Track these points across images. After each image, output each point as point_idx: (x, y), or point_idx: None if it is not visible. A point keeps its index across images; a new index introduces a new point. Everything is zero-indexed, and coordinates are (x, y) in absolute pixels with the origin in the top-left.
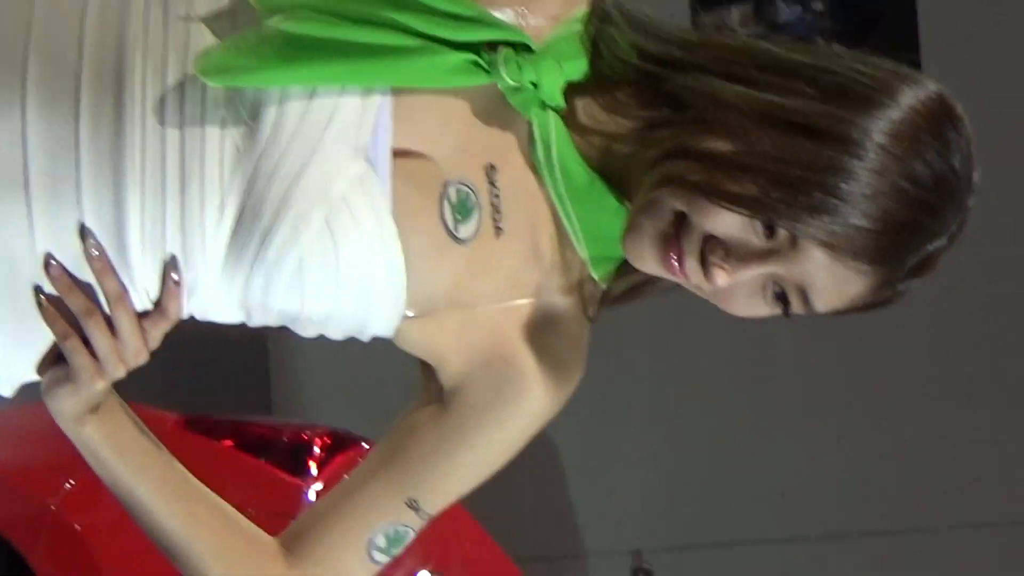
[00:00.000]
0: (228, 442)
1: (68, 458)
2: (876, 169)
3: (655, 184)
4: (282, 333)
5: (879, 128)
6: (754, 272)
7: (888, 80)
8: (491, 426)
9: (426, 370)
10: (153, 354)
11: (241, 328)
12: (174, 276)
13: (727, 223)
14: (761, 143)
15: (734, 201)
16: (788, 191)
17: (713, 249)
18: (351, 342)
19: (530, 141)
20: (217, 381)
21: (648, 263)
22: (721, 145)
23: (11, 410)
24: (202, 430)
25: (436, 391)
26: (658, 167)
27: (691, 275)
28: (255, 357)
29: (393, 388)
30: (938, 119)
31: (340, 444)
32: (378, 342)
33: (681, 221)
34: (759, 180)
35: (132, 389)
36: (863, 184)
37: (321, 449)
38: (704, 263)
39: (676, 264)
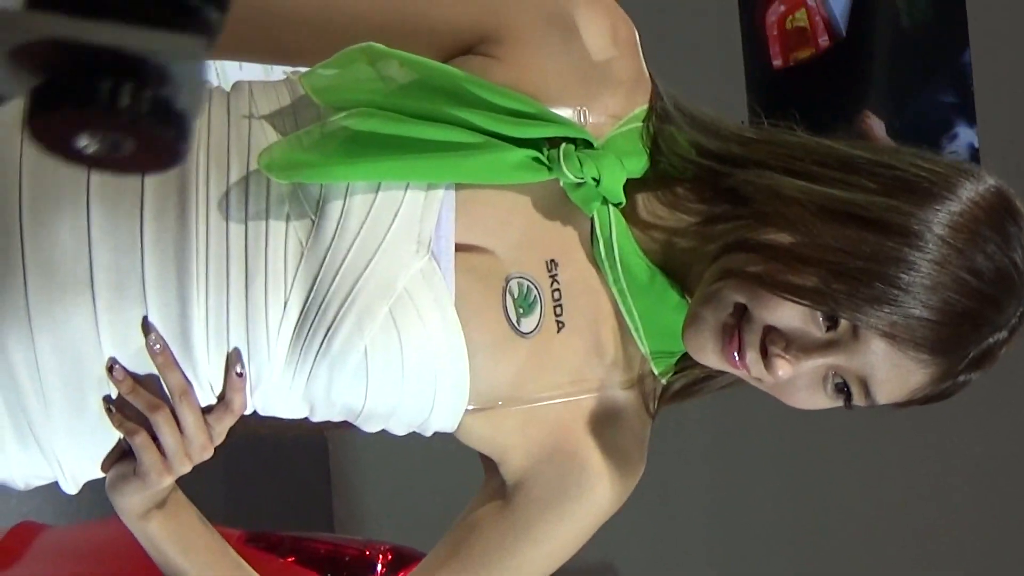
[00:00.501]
0: (291, 559)
1: None
2: (937, 260)
3: (716, 277)
4: (344, 448)
5: (939, 220)
6: (816, 363)
7: (948, 174)
8: (555, 520)
9: (488, 465)
10: (216, 451)
11: (303, 441)
12: (237, 369)
13: (788, 315)
14: (822, 235)
15: (796, 292)
16: (850, 282)
17: (774, 340)
18: (413, 455)
19: (591, 237)
20: (279, 497)
21: (708, 356)
22: (782, 237)
23: (62, 530)
24: (265, 547)
25: (498, 486)
26: (719, 260)
27: (752, 367)
28: (317, 473)
29: (455, 503)
30: (998, 213)
31: (403, 561)
32: (440, 454)
33: (742, 314)
34: (820, 272)
35: (197, 506)
36: (924, 275)
37: (383, 566)
38: (765, 355)
39: (736, 357)
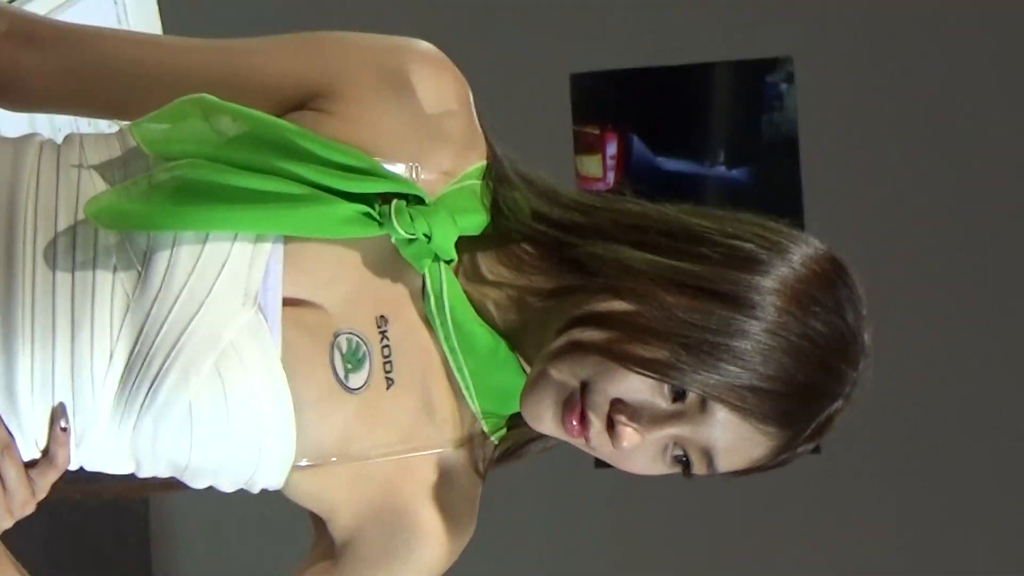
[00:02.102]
0: None
1: None
2: (772, 329)
3: (561, 349)
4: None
5: (771, 287)
6: (662, 434)
7: (780, 241)
8: None
9: (318, 525)
10: (39, 506)
11: (123, 497)
12: (62, 423)
13: (635, 387)
14: (670, 308)
15: (645, 365)
16: (698, 355)
17: (620, 411)
18: (236, 510)
19: (423, 294)
20: (99, 554)
21: (547, 425)
22: (630, 310)
23: None
24: None
25: (327, 547)
26: (565, 332)
27: (594, 438)
28: (137, 532)
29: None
30: (828, 276)
31: None
32: (266, 516)
33: (585, 386)
34: (669, 344)
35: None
36: (763, 345)
37: None
38: (611, 426)
39: (577, 426)
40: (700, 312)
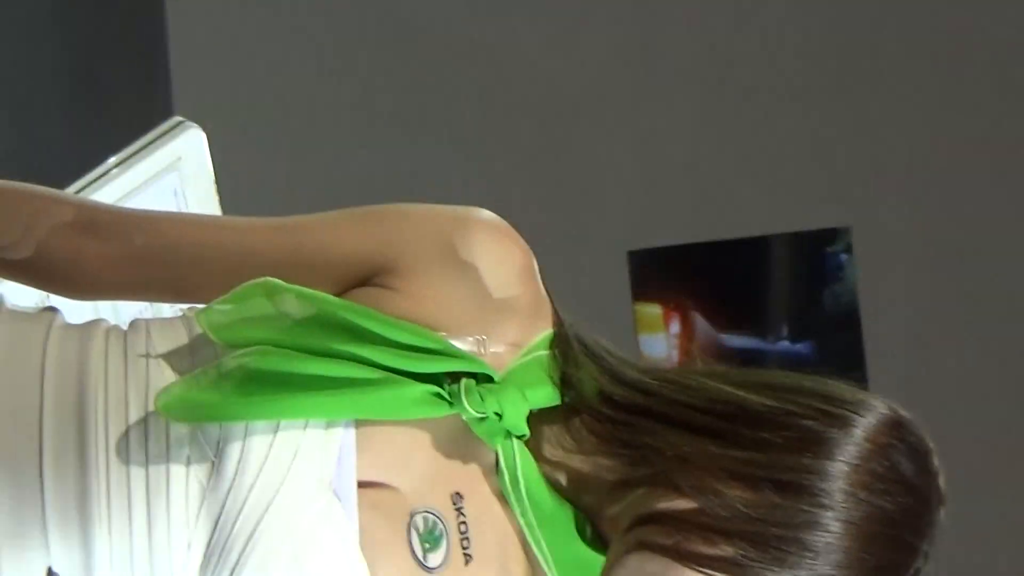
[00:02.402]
0: None
1: None
2: (841, 517)
3: (627, 549)
4: None
5: (837, 472)
6: None
7: (842, 415)
8: None
9: None
10: None
11: None
12: None
13: None
14: (733, 503)
15: (710, 565)
16: (764, 550)
17: None
18: None
19: (496, 469)
20: None
21: None
22: (691, 506)
23: None
24: None
25: None
26: (628, 533)
27: None
28: None
29: None
30: (894, 447)
31: None
32: None
33: None
34: (734, 541)
35: None
36: (832, 534)
37: None
38: None
39: None
40: (763, 505)
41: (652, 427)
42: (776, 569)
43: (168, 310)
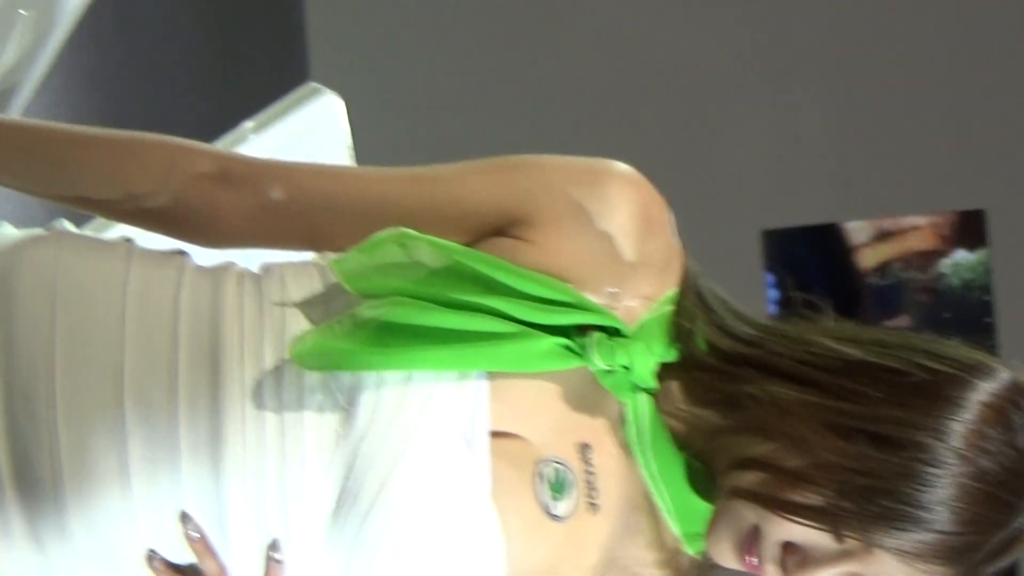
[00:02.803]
0: None
1: None
2: (934, 472)
3: (726, 495)
4: None
5: (945, 430)
6: (831, 573)
7: (957, 375)
8: None
9: None
10: None
11: None
12: (276, 556)
13: (799, 531)
14: (825, 452)
15: (799, 513)
16: (855, 501)
17: (790, 554)
18: None
19: (622, 421)
20: None
21: (729, 562)
22: (786, 455)
23: None
24: None
25: None
26: (727, 478)
27: None
28: None
29: None
30: (1003, 409)
31: None
32: None
33: (756, 528)
34: (824, 490)
35: None
36: (929, 490)
37: None
38: (783, 568)
39: (756, 566)
40: (854, 456)
41: (752, 375)
42: (861, 519)
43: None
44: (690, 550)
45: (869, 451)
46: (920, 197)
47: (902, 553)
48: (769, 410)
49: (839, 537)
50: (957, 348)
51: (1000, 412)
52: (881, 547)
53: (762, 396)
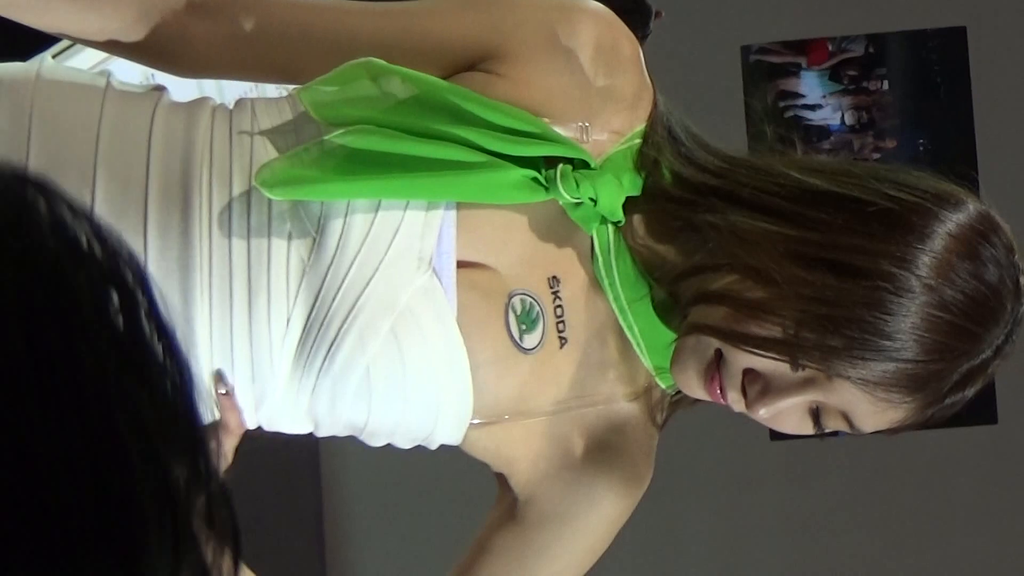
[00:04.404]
0: None
1: None
2: (904, 302)
3: (690, 327)
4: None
5: (910, 258)
6: (794, 401)
7: (923, 205)
8: (568, 536)
9: (500, 480)
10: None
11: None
12: (220, 389)
13: (760, 361)
14: (786, 282)
15: (758, 345)
16: (816, 331)
17: (752, 382)
18: (414, 466)
19: (591, 254)
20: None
21: (695, 391)
22: (747, 286)
23: None
24: None
25: (510, 504)
26: (689, 311)
27: (734, 406)
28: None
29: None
30: (973, 241)
31: None
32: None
33: (720, 356)
34: (785, 321)
35: None
36: (893, 319)
37: None
38: (745, 395)
39: (720, 393)
40: (815, 285)
41: (715, 205)
42: (820, 349)
43: (273, 91)
44: (662, 383)
45: (831, 280)
46: (903, 9)
47: (865, 382)
48: (731, 240)
49: (797, 367)
50: (926, 179)
51: (968, 244)
52: (843, 376)
53: (724, 226)
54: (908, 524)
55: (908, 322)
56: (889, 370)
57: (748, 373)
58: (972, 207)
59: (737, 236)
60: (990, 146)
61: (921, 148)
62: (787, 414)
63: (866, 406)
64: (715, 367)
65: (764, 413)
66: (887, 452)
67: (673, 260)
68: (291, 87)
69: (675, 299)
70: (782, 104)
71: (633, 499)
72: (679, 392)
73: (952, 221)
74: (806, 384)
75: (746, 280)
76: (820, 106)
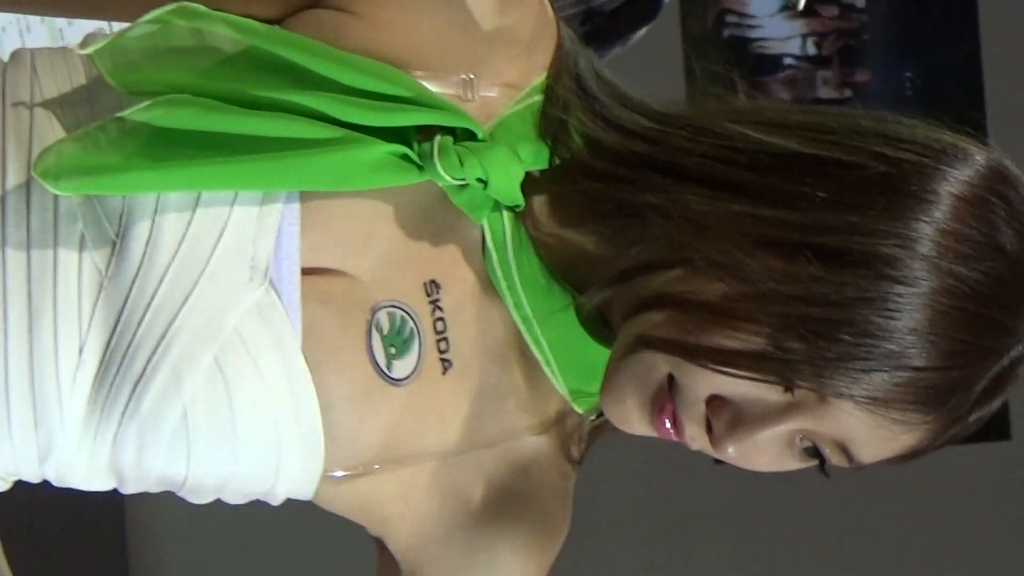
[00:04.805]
0: None
1: None
2: (904, 292)
3: (634, 342)
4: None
5: (913, 235)
6: (774, 432)
7: (913, 161)
8: None
9: (379, 545)
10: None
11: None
12: None
13: (732, 383)
14: (761, 278)
15: (729, 363)
16: (804, 339)
17: (718, 412)
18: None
19: (483, 250)
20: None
21: (636, 428)
22: (708, 286)
23: None
24: None
25: (393, 574)
26: (633, 321)
27: (692, 443)
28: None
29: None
30: (986, 201)
31: None
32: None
33: (672, 380)
34: (763, 328)
35: None
36: (891, 316)
37: None
38: (710, 430)
39: (671, 429)
40: (799, 279)
41: (655, 182)
42: (813, 364)
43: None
44: (580, 409)
45: (817, 272)
46: None
47: (872, 401)
48: (681, 227)
49: (788, 388)
50: (922, 128)
51: (978, 206)
52: (841, 395)
53: (671, 208)
54: (912, 554)
55: (918, 317)
56: (899, 381)
57: (712, 400)
58: (980, 159)
59: (691, 222)
60: (1001, 81)
61: (908, 84)
62: (763, 448)
63: (870, 431)
64: (666, 395)
65: (732, 452)
66: (883, 473)
67: (598, 254)
68: (76, 44)
69: (607, 306)
70: (726, 31)
71: (547, 556)
72: (601, 415)
73: (957, 180)
74: (790, 409)
75: (707, 277)
76: (771, 28)
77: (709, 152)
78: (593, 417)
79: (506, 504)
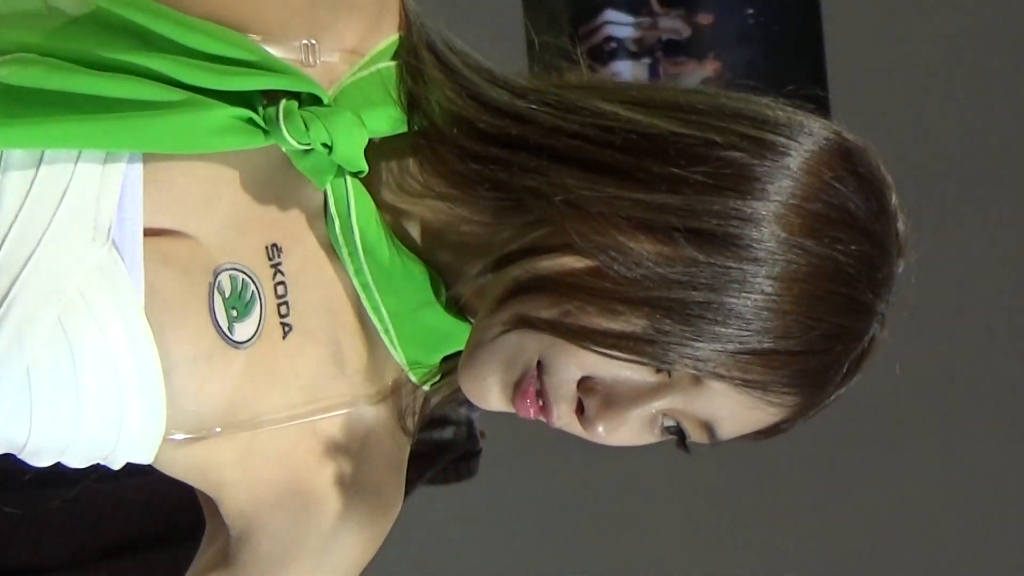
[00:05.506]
0: None
1: None
2: (781, 273)
3: (505, 325)
4: None
5: (772, 214)
6: (645, 410)
7: (774, 141)
8: None
9: (209, 508)
10: None
11: None
12: None
13: (606, 364)
14: (637, 260)
15: (610, 344)
16: (681, 321)
17: (590, 392)
18: None
19: (325, 215)
20: None
21: (492, 404)
22: (585, 267)
23: None
24: None
25: (223, 542)
26: (504, 304)
27: (558, 421)
28: None
29: None
30: (834, 181)
31: None
32: None
33: (541, 364)
34: (642, 310)
35: None
36: (766, 297)
37: None
38: (581, 408)
39: (533, 408)
40: (678, 262)
41: (532, 164)
42: (696, 344)
43: None
44: (415, 379)
45: (694, 254)
46: None
47: (745, 383)
48: (560, 210)
49: (663, 369)
50: (771, 106)
51: (827, 182)
52: (720, 378)
53: (551, 192)
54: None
55: (791, 302)
56: (772, 364)
57: (584, 381)
58: (824, 134)
59: (569, 204)
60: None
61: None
62: (625, 427)
63: (740, 411)
64: (530, 378)
65: (603, 431)
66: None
67: (456, 228)
68: None
69: (457, 277)
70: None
71: (381, 528)
72: (438, 386)
73: (819, 161)
74: (661, 388)
75: (589, 261)
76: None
77: (581, 132)
78: (428, 388)
79: (340, 473)
